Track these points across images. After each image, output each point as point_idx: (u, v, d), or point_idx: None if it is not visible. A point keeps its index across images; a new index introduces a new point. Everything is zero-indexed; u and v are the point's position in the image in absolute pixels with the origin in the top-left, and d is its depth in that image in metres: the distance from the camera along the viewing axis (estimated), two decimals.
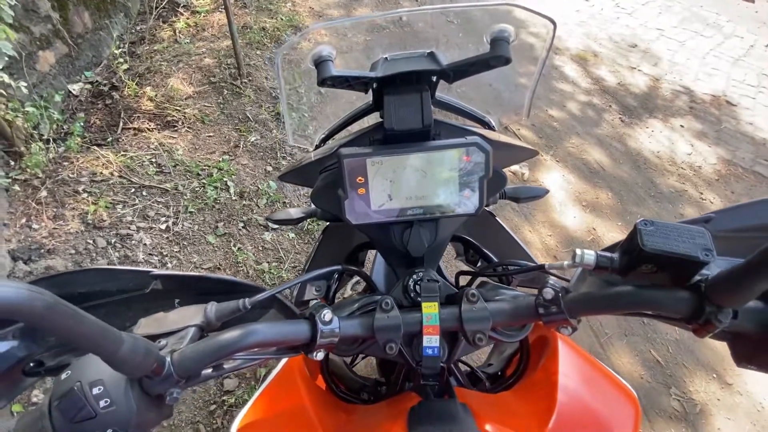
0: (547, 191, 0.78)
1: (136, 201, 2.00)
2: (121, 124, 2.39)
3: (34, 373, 0.46)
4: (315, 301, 0.47)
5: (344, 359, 0.88)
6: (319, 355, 0.44)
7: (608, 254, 0.42)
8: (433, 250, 0.61)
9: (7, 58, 1.66)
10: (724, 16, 4.39)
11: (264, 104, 2.67)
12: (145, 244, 1.85)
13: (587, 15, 4.24)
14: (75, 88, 2.50)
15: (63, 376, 0.35)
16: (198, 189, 2.15)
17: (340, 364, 0.79)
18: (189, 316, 0.43)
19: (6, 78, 1.68)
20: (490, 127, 0.65)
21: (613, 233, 2.35)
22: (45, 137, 2.14)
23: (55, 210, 1.83)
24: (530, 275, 0.69)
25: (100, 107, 2.49)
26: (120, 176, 2.06)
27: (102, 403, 0.34)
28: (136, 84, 2.56)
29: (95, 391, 0.34)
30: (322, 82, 0.48)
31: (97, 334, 0.29)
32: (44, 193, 1.87)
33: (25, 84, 1.86)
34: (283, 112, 0.73)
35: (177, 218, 2.00)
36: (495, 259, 0.71)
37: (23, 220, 1.76)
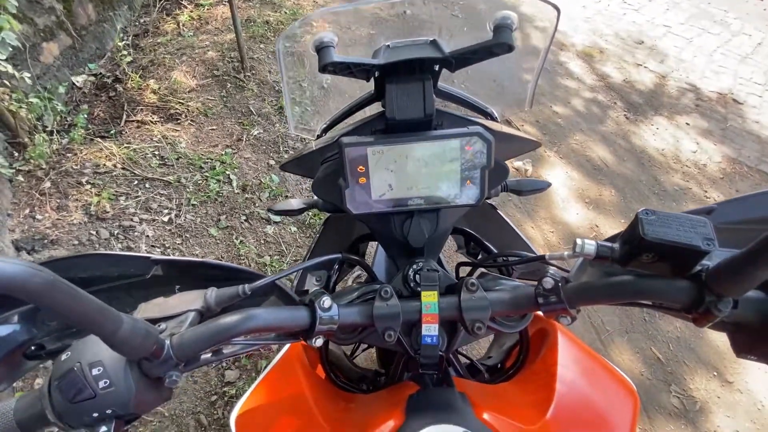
0: (549, 184, 0.77)
1: (139, 193, 2.00)
2: (124, 116, 2.40)
3: (35, 356, 0.46)
4: (314, 288, 0.48)
5: (344, 350, 0.88)
6: (318, 342, 0.44)
7: (608, 244, 0.41)
8: (433, 241, 0.61)
9: (11, 49, 1.66)
10: (732, 13, 4.34)
11: (267, 98, 2.67)
12: (147, 236, 1.86)
13: (594, 11, 4.20)
14: (79, 80, 2.50)
15: (63, 357, 0.35)
16: (201, 182, 2.16)
17: (339, 355, 0.80)
18: (189, 301, 0.43)
19: (10, 69, 1.68)
20: (492, 118, 0.65)
21: (616, 230, 2.34)
22: (49, 129, 2.14)
23: (58, 201, 1.84)
24: (531, 267, 0.69)
25: (104, 99, 2.49)
26: (123, 168, 2.07)
27: (101, 384, 0.34)
28: (140, 76, 2.56)
29: (95, 371, 0.34)
30: (323, 68, 0.48)
31: (95, 314, 0.29)
32: (48, 184, 1.88)
33: (29, 75, 1.86)
34: (284, 100, 0.73)
35: (179, 210, 2.01)
36: (494, 249, 0.71)
37: (27, 211, 1.77)
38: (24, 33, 2.04)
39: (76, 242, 1.72)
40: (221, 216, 2.05)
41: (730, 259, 0.33)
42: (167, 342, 0.36)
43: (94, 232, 1.77)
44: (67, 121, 2.31)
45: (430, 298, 0.47)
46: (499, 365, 0.74)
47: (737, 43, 3.93)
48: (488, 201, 0.78)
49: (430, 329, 0.47)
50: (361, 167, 0.53)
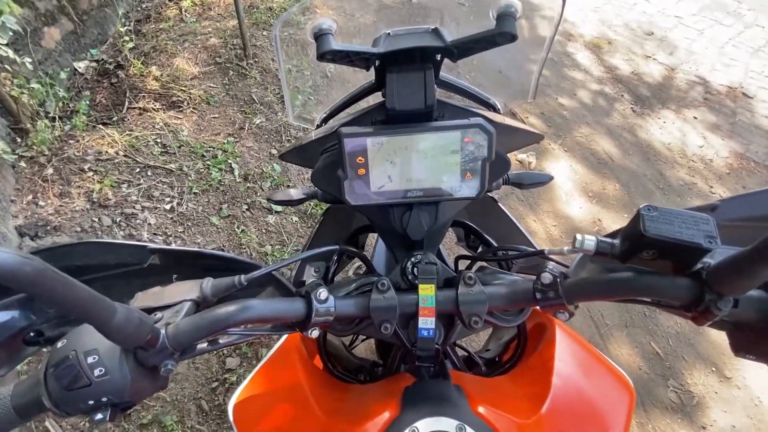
0: (551, 177, 0.77)
1: (141, 181, 2.01)
2: (126, 103, 2.39)
3: (34, 342, 0.46)
4: (311, 279, 0.47)
5: (343, 341, 0.88)
6: (314, 333, 0.44)
7: (609, 240, 0.41)
8: (432, 234, 0.61)
9: (11, 33, 1.65)
10: (745, 5, 4.24)
11: (270, 86, 2.64)
12: (149, 224, 1.87)
13: (603, 0, 4.12)
14: (80, 65, 2.49)
15: (59, 344, 0.35)
16: (202, 170, 2.15)
17: (338, 345, 0.80)
18: (185, 290, 0.43)
19: (11, 53, 1.67)
20: (494, 110, 0.64)
21: (619, 225, 2.32)
22: (51, 115, 2.14)
23: (61, 187, 1.84)
24: (530, 261, 0.68)
25: (106, 86, 2.48)
26: (125, 156, 2.07)
27: (97, 372, 0.34)
28: (142, 63, 2.54)
29: (90, 360, 0.34)
30: (321, 56, 0.47)
31: (88, 303, 0.29)
32: (50, 171, 1.89)
33: (30, 60, 1.85)
34: (283, 88, 0.71)
35: (181, 199, 2.01)
36: (493, 243, 0.70)
37: (30, 197, 1.78)
38: (25, 17, 2.02)
39: (79, 229, 1.73)
40: (223, 205, 2.05)
41: (732, 257, 0.32)
42: (162, 331, 0.37)
43: (97, 219, 1.78)
44: (69, 107, 2.31)
45: (427, 291, 0.47)
46: (496, 358, 0.75)
47: (750, 35, 3.85)
48: (489, 194, 0.78)
49: (427, 322, 0.47)
50: (360, 158, 0.53)
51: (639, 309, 2.01)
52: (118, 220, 1.83)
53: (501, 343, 0.76)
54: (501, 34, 0.48)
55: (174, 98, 2.46)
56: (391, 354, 0.66)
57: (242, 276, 0.42)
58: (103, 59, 2.57)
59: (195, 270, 0.49)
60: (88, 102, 2.31)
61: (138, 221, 1.86)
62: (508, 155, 0.63)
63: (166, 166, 2.10)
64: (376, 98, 0.63)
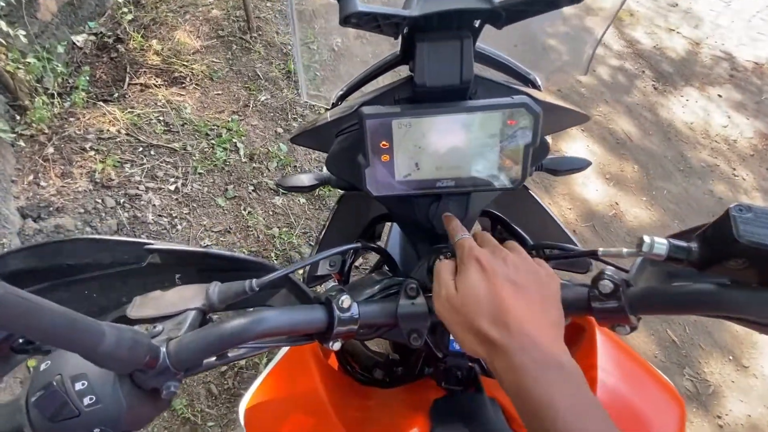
0: (589, 163, 0.69)
1: (144, 160, 1.95)
2: (127, 79, 2.30)
3: (23, 350, 0.41)
4: (331, 283, 0.42)
5: None
6: (336, 345, 0.39)
7: (684, 244, 0.35)
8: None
9: (3, 4, 1.56)
10: None
11: (274, 61, 2.54)
12: (154, 205, 1.82)
13: None
14: (79, 39, 2.39)
15: (42, 366, 0.30)
16: (207, 150, 2.09)
17: (353, 341, 0.75)
18: (189, 297, 0.37)
19: (4, 26, 1.59)
20: (534, 86, 0.56)
21: (637, 209, 2.25)
22: (50, 91, 2.07)
23: (62, 167, 1.79)
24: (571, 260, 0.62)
25: (105, 61, 2.39)
26: (127, 134, 2.00)
27: (86, 401, 0.29)
28: (142, 36, 2.44)
29: (78, 386, 0.29)
30: (344, 19, 0.40)
31: (67, 328, 0.24)
32: (51, 150, 1.83)
33: (24, 33, 1.76)
34: (295, 62, 0.64)
35: (186, 179, 1.96)
36: (526, 237, 0.64)
37: (31, 177, 1.73)
38: None
39: (82, 210, 1.69)
40: (228, 186, 1.99)
41: None
42: (163, 349, 0.31)
43: (100, 201, 1.73)
44: (69, 83, 2.23)
45: None
46: None
47: None
48: None
49: None
50: (384, 143, 0.46)
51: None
52: (122, 201, 1.78)
53: None
54: None
55: (176, 74, 2.37)
56: (414, 354, 0.61)
57: (254, 281, 0.37)
58: (101, 32, 2.46)
59: (200, 270, 0.43)
60: (87, 77, 2.22)
61: (142, 202, 1.81)
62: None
63: (170, 145, 2.04)
64: (393, 76, 0.55)
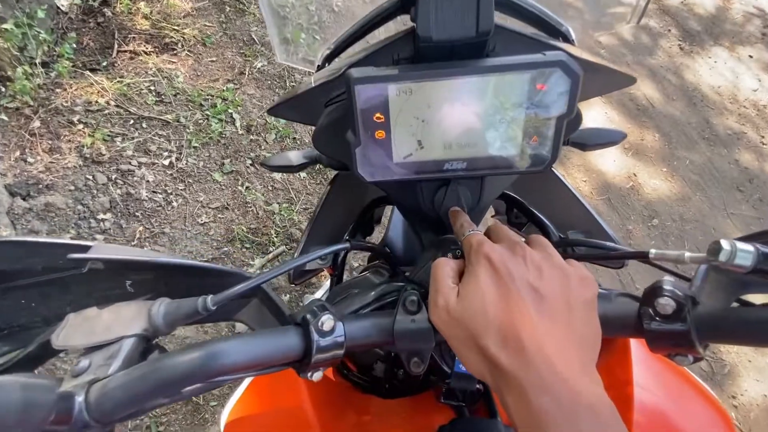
0: (624, 135, 0.59)
1: (136, 134, 1.85)
2: (115, 46, 2.17)
3: None
4: (310, 297, 0.34)
5: None
6: (317, 375, 0.31)
7: None
8: (474, 214, 0.46)
9: None
10: None
11: None
12: (147, 181, 1.74)
13: None
14: (63, 3, 2.24)
15: None
16: (201, 121, 1.98)
17: None
18: (128, 318, 0.30)
19: None
20: (567, 40, 0.45)
21: (656, 180, 2.12)
22: (37, 61, 1.95)
23: (50, 142, 1.70)
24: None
25: (92, 26, 2.24)
26: (117, 106, 1.90)
27: None
28: None
29: None
30: None
31: None
32: (37, 124, 1.74)
33: None
34: (263, 14, 0.53)
35: (180, 153, 1.86)
36: (550, 226, 0.55)
37: (17, 153, 1.66)
38: None
39: (72, 188, 1.62)
40: (225, 159, 1.90)
41: None
42: (79, 399, 0.24)
43: (90, 177, 1.66)
44: (55, 51, 2.10)
45: None
46: None
47: None
48: None
49: None
50: (378, 115, 0.37)
51: None
52: (113, 177, 1.70)
53: None
54: None
55: (167, 39, 2.22)
56: None
57: (209, 298, 0.29)
58: None
59: (154, 278, 0.35)
60: (74, 45, 2.09)
61: (135, 178, 1.73)
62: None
63: (162, 117, 1.93)
64: (393, 30, 0.44)
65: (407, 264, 0.66)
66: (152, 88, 2.03)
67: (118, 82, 1.98)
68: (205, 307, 0.29)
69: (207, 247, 1.68)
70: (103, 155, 1.73)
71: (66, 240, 0.35)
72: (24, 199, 1.54)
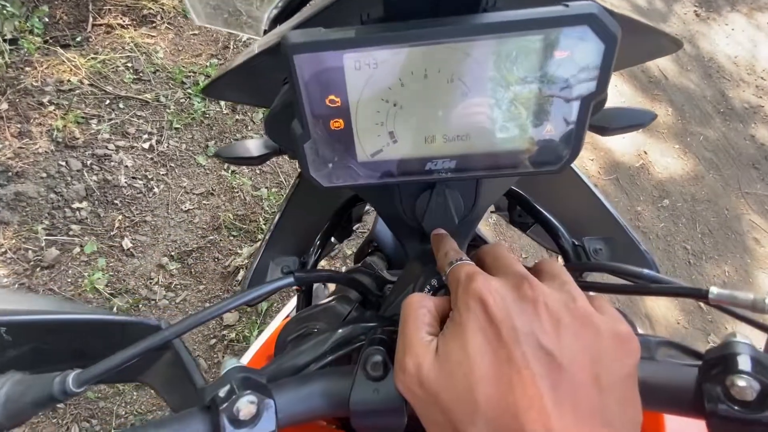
0: (654, 116, 0.49)
1: (113, 115, 1.73)
2: (90, 19, 2.01)
3: None
4: (230, 360, 0.24)
5: None
6: None
7: None
8: (466, 224, 0.36)
9: None
10: None
11: None
12: (126, 167, 1.64)
13: None
14: None
15: None
16: (183, 101, 1.86)
17: None
18: None
19: None
20: None
21: (668, 158, 2.00)
22: (6, 37, 1.81)
23: (19, 126, 1.59)
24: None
25: None
26: (91, 85, 1.77)
27: None
28: None
29: None
30: None
31: None
32: (5, 106, 1.62)
33: None
34: None
35: (161, 136, 1.75)
36: (561, 230, 0.45)
37: None
38: None
39: (45, 175, 1.52)
40: (209, 141, 1.79)
41: None
42: None
43: (64, 163, 1.56)
44: (26, 26, 1.96)
45: None
46: None
47: None
48: None
49: None
50: (332, 97, 0.26)
51: (683, 256, 1.79)
52: (89, 162, 1.60)
53: None
54: None
55: (144, 11, 2.07)
56: None
57: (71, 376, 0.20)
58: None
59: (30, 331, 0.26)
60: (46, 18, 1.94)
61: (113, 163, 1.63)
62: None
63: (141, 96, 1.81)
64: None
65: (400, 267, 0.57)
66: (129, 64, 1.89)
67: (92, 58, 1.85)
68: (63, 391, 0.20)
69: (192, 236, 1.60)
70: (77, 139, 1.62)
71: None
72: None
